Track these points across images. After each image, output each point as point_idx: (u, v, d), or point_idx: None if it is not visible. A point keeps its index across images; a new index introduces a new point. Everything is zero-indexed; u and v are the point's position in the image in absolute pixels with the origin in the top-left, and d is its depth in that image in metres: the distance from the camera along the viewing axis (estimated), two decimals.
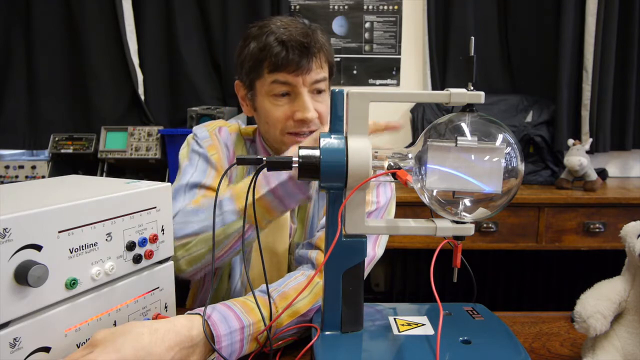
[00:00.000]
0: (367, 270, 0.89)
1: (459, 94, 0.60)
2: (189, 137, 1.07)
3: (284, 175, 0.84)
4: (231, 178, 1.06)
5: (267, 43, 0.93)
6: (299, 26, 0.95)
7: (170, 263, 0.75)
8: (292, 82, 0.93)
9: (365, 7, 2.45)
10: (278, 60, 0.91)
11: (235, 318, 0.68)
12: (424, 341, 0.64)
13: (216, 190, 0.68)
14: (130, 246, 0.66)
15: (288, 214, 1.01)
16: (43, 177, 2.21)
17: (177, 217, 0.86)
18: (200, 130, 1.07)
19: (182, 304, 1.00)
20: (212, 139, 1.05)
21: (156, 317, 0.72)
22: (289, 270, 1.01)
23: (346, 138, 0.61)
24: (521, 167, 0.60)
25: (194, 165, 1.00)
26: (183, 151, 1.06)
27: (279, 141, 0.99)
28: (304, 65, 0.92)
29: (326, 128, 0.96)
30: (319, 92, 0.97)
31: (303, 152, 0.61)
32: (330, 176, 0.60)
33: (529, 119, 2.24)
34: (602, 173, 2.24)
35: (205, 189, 0.97)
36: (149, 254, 0.69)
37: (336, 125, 0.63)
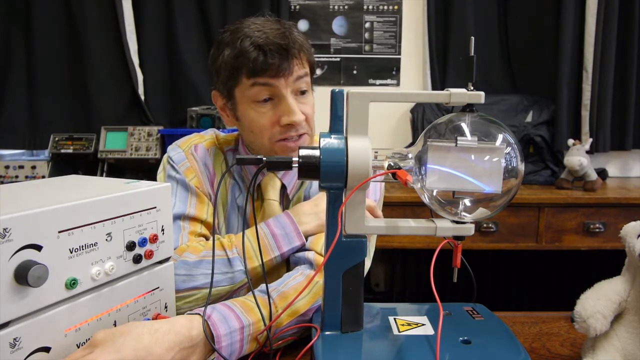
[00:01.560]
0: None
1: (459, 94, 0.60)
2: (164, 159, 1.00)
3: (296, 241, 0.87)
4: (214, 193, 1.00)
5: (243, 49, 0.87)
6: (275, 27, 0.90)
7: (171, 263, 0.75)
8: (274, 85, 0.88)
9: (365, 7, 2.45)
10: (257, 65, 0.86)
11: (235, 318, 0.68)
12: (424, 341, 0.64)
13: (213, 225, 0.67)
14: (130, 246, 0.66)
15: (280, 212, 0.99)
16: (43, 177, 2.21)
17: (178, 267, 0.81)
18: (175, 151, 0.99)
19: None
20: (189, 160, 0.98)
21: (156, 317, 0.72)
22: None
23: (346, 138, 0.61)
24: (521, 167, 0.60)
25: (173, 194, 0.94)
26: (160, 175, 1.00)
27: (268, 150, 0.94)
28: (285, 67, 0.87)
29: (313, 131, 0.94)
30: (303, 92, 0.93)
31: (303, 152, 0.60)
32: (330, 176, 0.60)
33: (529, 119, 2.24)
34: (602, 173, 2.24)
35: (189, 220, 0.93)
36: (149, 254, 0.69)
37: (336, 125, 0.63)
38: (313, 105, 0.96)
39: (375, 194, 1.01)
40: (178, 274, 0.80)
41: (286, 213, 0.90)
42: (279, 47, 0.87)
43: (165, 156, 1.01)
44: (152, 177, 1.00)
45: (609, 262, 2.23)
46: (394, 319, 0.70)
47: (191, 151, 1.00)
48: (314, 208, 0.91)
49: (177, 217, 0.92)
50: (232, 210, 1.01)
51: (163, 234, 0.72)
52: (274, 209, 0.97)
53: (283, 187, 1.00)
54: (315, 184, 1.03)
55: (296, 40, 0.90)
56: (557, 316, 0.87)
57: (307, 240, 0.89)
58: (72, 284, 0.58)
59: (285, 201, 1.02)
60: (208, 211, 0.96)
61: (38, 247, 0.54)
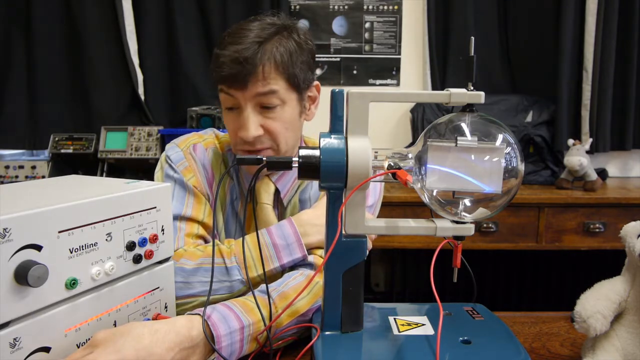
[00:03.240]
0: None
1: (459, 94, 0.60)
2: (162, 158, 0.99)
3: (297, 253, 0.85)
4: (213, 195, 0.99)
5: (216, 56, 0.89)
6: (251, 35, 0.87)
7: (170, 263, 0.75)
8: (235, 97, 0.88)
9: (365, 7, 2.45)
10: (218, 74, 0.88)
11: (235, 318, 0.68)
12: (424, 341, 0.64)
13: (213, 226, 0.67)
14: (130, 246, 0.66)
15: (273, 216, 0.98)
16: (43, 177, 2.21)
17: (175, 274, 0.80)
18: (174, 151, 0.98)
19: None
20: (188, 159, 0.97)
21: (156, 317, 0.72)
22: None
23: (346, 138, 0.61)
24: (521, 167, 0.60)
25: (171, 194, 0.93)
26: (157, 175, 0.98)
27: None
28: (239, 80, 0.86)
29: (282, 146, 0.91)
30: (269, 107, 0.89)
31: (303, 152, 0.61)
32: (330, 176, 0.60)
33: (529, 119, 2.24)
34: (602, 173, 2.24)
35: (186, 220, 0.92)
36: (149, 254, 0.69)
37: (336, 125, 0.63)
38: (287, 120, 0.92)
39: (374, 194, 1.01)
40: (175, 280, 0.79)
41: (290, 221, 0.88)
42: (234, 60, 0.85)
43: (162, 155, 0.99)
44: (152, 177, 0.99)
45: (609, 262, 2.23)
46: (394, 319, 0.70)
47: (190, 151, 0.99)
48: (320, 219, 0.88)
49: (174, 218, 0.91)
50: (230, 213, 1.01)
51: (163, 234, 0.72)
52: (268, 213, 0.96)
53: (277, 192, 0.99)
54: (315, 186, 1.02)
55: (264, 52, 0.86)
56: (557, 316, 0.87)
57: (308, 253, 0.88)
58: (72, 284, 0.58)
59: (280, 206, 1.01)
60: (205, 211, 0.95)
61: (38, 247, 0.54)
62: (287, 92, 0.90)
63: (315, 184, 1.01)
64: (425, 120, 2.28)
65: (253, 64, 0.85)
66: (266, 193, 0.97)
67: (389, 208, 1.92)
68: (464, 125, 0.60)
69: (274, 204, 0.99)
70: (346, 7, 2.45)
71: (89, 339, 0.61)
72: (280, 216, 1.01)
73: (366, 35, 2.47)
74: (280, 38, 0.89)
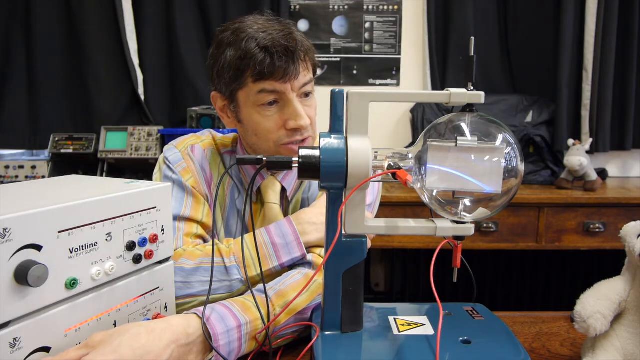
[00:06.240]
0: None
1: (459, 94, 0.60)
2: (161, 160, 0.99)
3: (296, 252, 0.85)
4: (211, 195, 0.98)
5: (248, 50, 0.84)
6: (278, 27, 0.87)
7: (171, 263, 0.75)
8: (281, 90, 0.86)
9: (365, 7, 2.45)
10: (264, 68, 0.84)
11: (232, 317, 0.68)
12: (424, 341, 0.64)
13: (213, 226, 0.67)
14: (130, 246, 0.66)
15: (281, 216, 0.99)
16: (43, 177, 2.21)
17: (174, 274, 0.79)
18: (172, 152, 0.98)
19: None
20: (186, 160, 0.97)
21: (156, 317, 0.72)
22: None
23: (346, 138, 0.61)
24: (521, 167, 0.60)
25: (171, 194, 0.92)
26: (156, 176, 0.99)
27: (273, 153, 0.93)
28: (292, 71, 0.85)
29: (316, 134, 0.93)
30: (307, 95, 0.91)
31: (303, 152, 0.61)
32: (330, 176, 0.60)
33: (529, 119, 2.24)
34: (602, 173, 2.24)
35: (184, 221, 0.92)
36: (149, 254, 0.69)
37: (336, 125, 0.63)
38: (316, 107, 0.95)
39: (373, 193, 1.01)
40: (175, 280, 0.79)
41: (289, 220, 0.88)
42: (285, 49, 0.84)
43: (161, 157, 0.99)
44: (152, 177, 0.99)
45: (609, 262, 2.23)
46: (394, 319, 0.70)
47: (188, 152, 0.99)
48: (319, 217, 0.88)
49: (173, 218, 0.90)
50: (231, 212, 1.00)
51: (163, 234, 0.72)
52: (275, 212, 0.96)
53: (283, 190, 0.99)
54: (313, 186, 1.02)
55: (303, 43, 0.88)
56: (557, 316, 0.87)
57: (307, 251, 0.87)
58: (72, 284, 0.58)
59: (285, 203, 1.01)
60: (204, 211, 0.95)
61: (38, 247, 0.54)
62: (313, 79, 0.93)
63: (314, 184, 1.01)
64: (425, 120, 2.28)
65: (301, 52, 0.87)
66: (273, 192, 0.97)
67: (389, 208, 1.92)
68: (464, 125, 0.60)
69: (280, 203, 0.98)
70: (346, 7, 2.45)
71: None
72: (286, 214, 1.00)
73: (366, 35, 2.47)
74: (294, 29, 0.91)
